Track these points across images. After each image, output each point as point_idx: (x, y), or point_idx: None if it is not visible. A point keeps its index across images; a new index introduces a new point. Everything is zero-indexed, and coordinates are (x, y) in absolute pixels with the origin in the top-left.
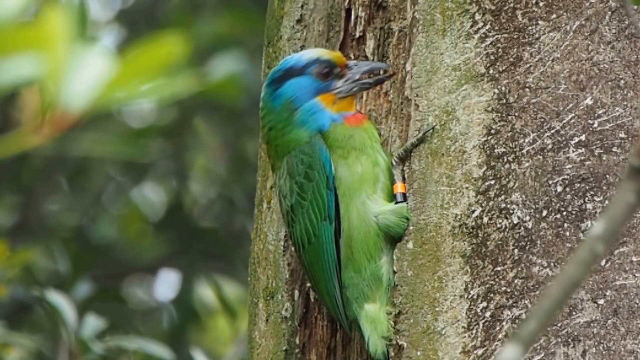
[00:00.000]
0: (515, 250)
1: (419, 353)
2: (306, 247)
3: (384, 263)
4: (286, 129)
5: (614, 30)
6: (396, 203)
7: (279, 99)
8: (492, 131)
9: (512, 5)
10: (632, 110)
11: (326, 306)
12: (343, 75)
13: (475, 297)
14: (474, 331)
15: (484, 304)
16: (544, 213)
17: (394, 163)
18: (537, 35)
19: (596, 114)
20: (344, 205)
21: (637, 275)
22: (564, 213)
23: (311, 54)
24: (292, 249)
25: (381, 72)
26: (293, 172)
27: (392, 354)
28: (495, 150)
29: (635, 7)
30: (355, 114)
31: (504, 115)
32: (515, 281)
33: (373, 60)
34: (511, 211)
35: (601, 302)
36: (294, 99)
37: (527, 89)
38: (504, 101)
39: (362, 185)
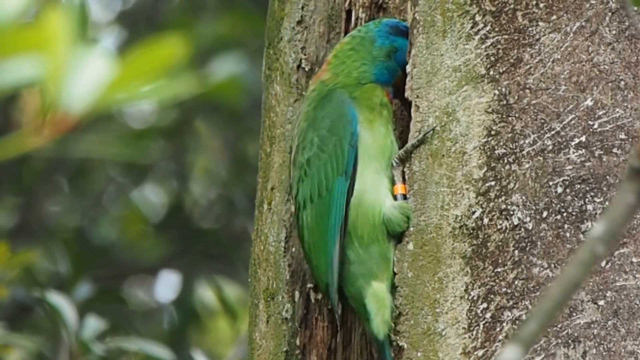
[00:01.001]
0: (516, 252)
1: (419, 354)
2: (315, 201)
3: (391, 245)
4: (366, 61)
5: (614, 32)
6: None
7: (387, 40)
8: (493, 132)
9: (512, 6)
10: (632, 112)
11: (316, 270)
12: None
13: (475, 298)
14: (475, 332)
15: (485, 305)
16: (544, 214)
17: (394, 164)
18: (537, 37)
19: (596, 115)
20: (360, 168)
21: (637, 276)
22: (564, 214)
23: None
24: (293, 207)
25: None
26: (317, 125)
27: (392, 354)
28: (496, 152)
29: (636, 8)
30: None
31: (504, 116)
32: (516, 282)
33: None
34: (511, 212)
35: (601, 303)
36: (397, 52)
37: (527, 90)
38: (504, 102)
39: (378, 155)
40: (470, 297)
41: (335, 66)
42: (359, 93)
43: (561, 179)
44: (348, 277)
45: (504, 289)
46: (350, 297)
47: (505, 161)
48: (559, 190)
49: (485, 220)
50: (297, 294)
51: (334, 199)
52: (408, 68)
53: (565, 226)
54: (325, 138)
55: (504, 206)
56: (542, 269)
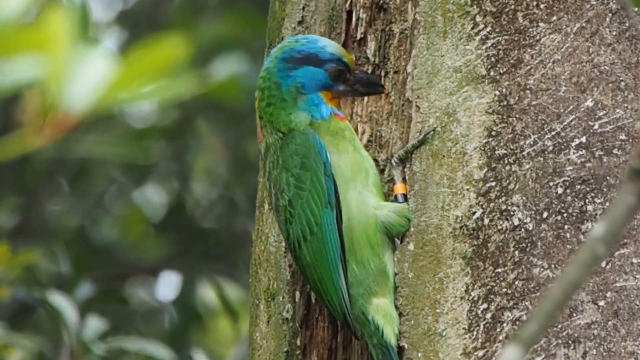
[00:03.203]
0: (516, 252)
1: (419, 355)
2: (308, 239)
3: (388, 259)
4: (288, 110)
5: (614, 32)
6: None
7: (289, 80)
8: (493, 133)
9: (513, 7)
10: (632, 112)
11: (329, 304)
12: (347, 80)
13: (476, 298)
14: (475, 333)
15: (485, 305)
16: (545, 215)
17: (394, 164)
18: (537, 37)
19: (597, 116)
20: (341, 195)
21: (637, 276)
22: (565, 215)
23: (334, 49)
24: (289, 249)
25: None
26: (288, 165)
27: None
28: (496, 152)
29: (636, 9)
30: (340, 112)
31: (504, 117)
32: (516, 283)
33: (374, 60)
34: (512, 213)
35: (601, 303)
36: (303, 85)
37: (527, 91)
38: (505, 103)
39: (355, 175)
40: (470, 298)
41: (270, 124)
42: (320, 124)
43: (561, 180)
44: (349, 300)
45: (505, 290)
46: (355, 320)
47: (506, 162)
48: (560, 190)
49: (486, 221)
50: (297, 294)
51: (326, 233)
52: (408, 68)
53: (566, 227)
54: (301, 175)
55: (504, 207)
56: (542, 269)
